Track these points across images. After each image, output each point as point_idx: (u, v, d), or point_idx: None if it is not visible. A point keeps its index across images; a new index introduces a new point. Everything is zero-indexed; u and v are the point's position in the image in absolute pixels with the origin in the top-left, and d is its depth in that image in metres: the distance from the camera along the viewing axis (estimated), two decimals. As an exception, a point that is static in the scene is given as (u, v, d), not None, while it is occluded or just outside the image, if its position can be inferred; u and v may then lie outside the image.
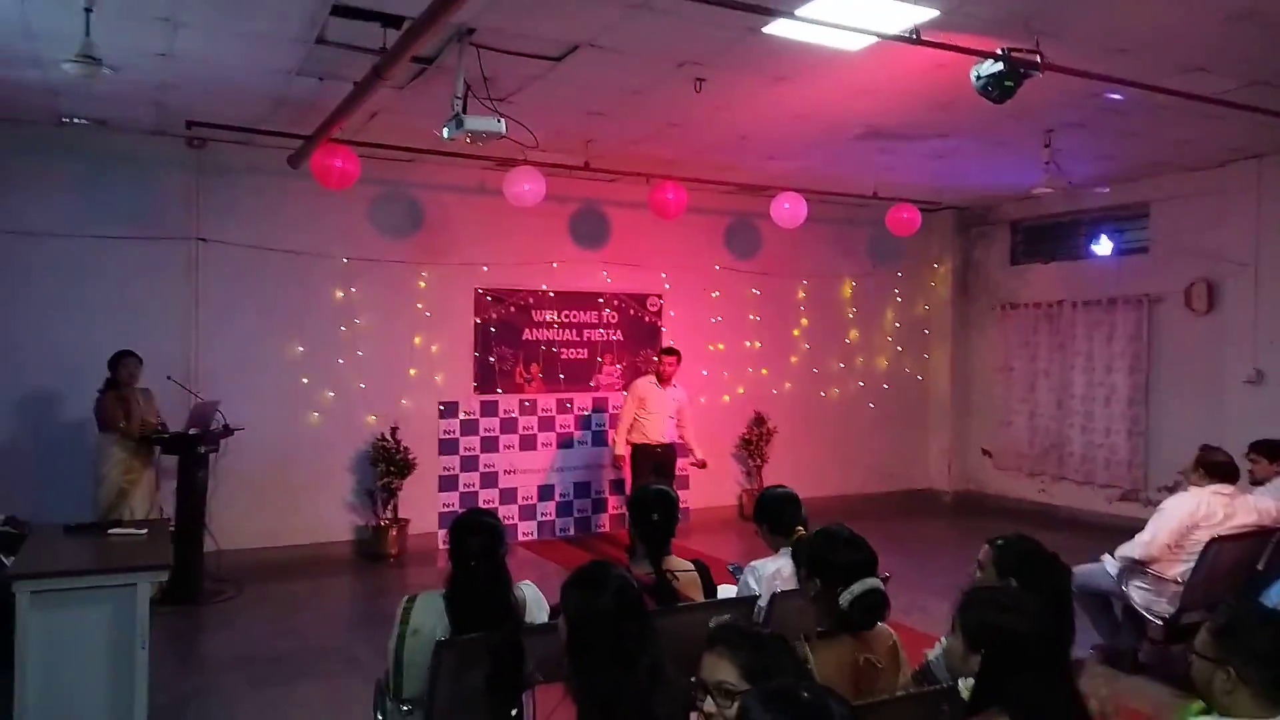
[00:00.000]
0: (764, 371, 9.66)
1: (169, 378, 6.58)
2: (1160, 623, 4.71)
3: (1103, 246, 8.89)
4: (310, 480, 7.46)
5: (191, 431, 6.27)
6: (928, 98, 5.84)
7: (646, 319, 8.98)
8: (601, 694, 2.05)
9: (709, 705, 1.86)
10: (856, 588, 2.54)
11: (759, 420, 9.40)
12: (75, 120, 6.55)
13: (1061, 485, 9.53)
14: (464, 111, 4.93)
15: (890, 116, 6.34)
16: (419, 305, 7.97)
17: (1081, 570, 5.05)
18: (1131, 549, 4.82)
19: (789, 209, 8.03)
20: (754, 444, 9.34)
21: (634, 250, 8.80)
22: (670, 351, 7.69)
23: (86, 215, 6.74)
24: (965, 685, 2.06)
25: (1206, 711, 2.10)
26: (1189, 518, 4.72)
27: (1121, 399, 8.93)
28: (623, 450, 7.59)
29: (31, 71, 5.38)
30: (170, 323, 6.99)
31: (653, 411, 7.50)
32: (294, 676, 4.90)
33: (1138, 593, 4.81)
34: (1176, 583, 4.65)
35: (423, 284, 7.98)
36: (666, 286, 9.07)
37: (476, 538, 2.96)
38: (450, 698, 2.77)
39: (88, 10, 4.22)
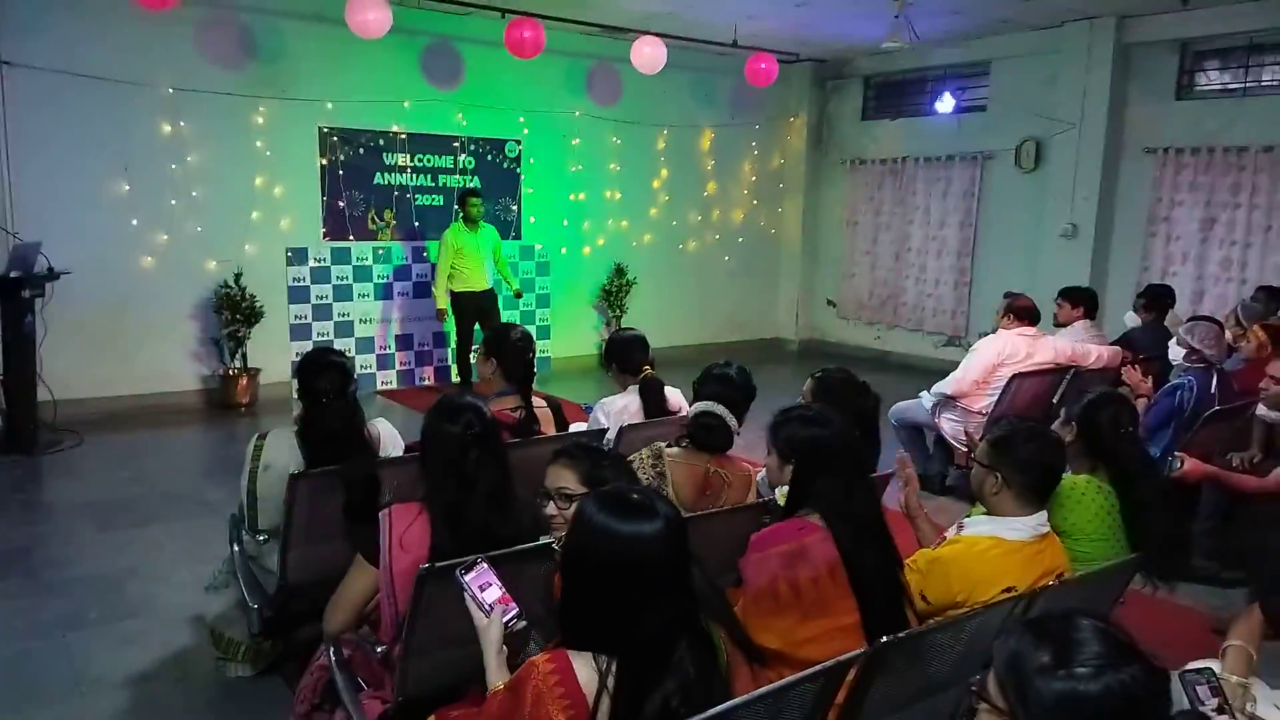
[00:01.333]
0: (624, 224, 9.72)
1: (-25, 216, 6.03)
2: (965, 450, 5.29)
3: (945, 104, 9.25)
4: (148, 328, 7.11)
5: (13, 275, 5.82)
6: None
7: (505, 165, 8.79)
8: (445, 511, 2.19)
9: (550, 508, 2.04)
10: (699, 405, 2.82)
11: (619, 271, 9.53)
12: None
13: (895, 333, 10.25)
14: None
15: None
16: (258, 144, 7.49)
17: (900, 406, 5.60)
18: (944, 385, 5.34)
19: (649, 53, 7.89)
20: (614, 295, 9.51)
21: (491, 91, 8.49)
22: (474, 192, 7.72)
23: None
24: (781, 494, 2.30)
25: (985, 514, 2.44)
26: (995, 357, 5.24)
27: (951, 251, 9.56)
28: (444, 304, 7.68)
29: None
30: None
31: (470, 256, 7.56)
32: (145, 520, 4.85)
33: (948, 424, 5.36)
34: (981, 415, 5.21)
35: (260, 120, 7.47)
36: (526, 131, 8.85)
37: (325, 375, 2.98)
38: (306, 527, 2.86)
39: None
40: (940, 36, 8.58)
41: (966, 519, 2.47)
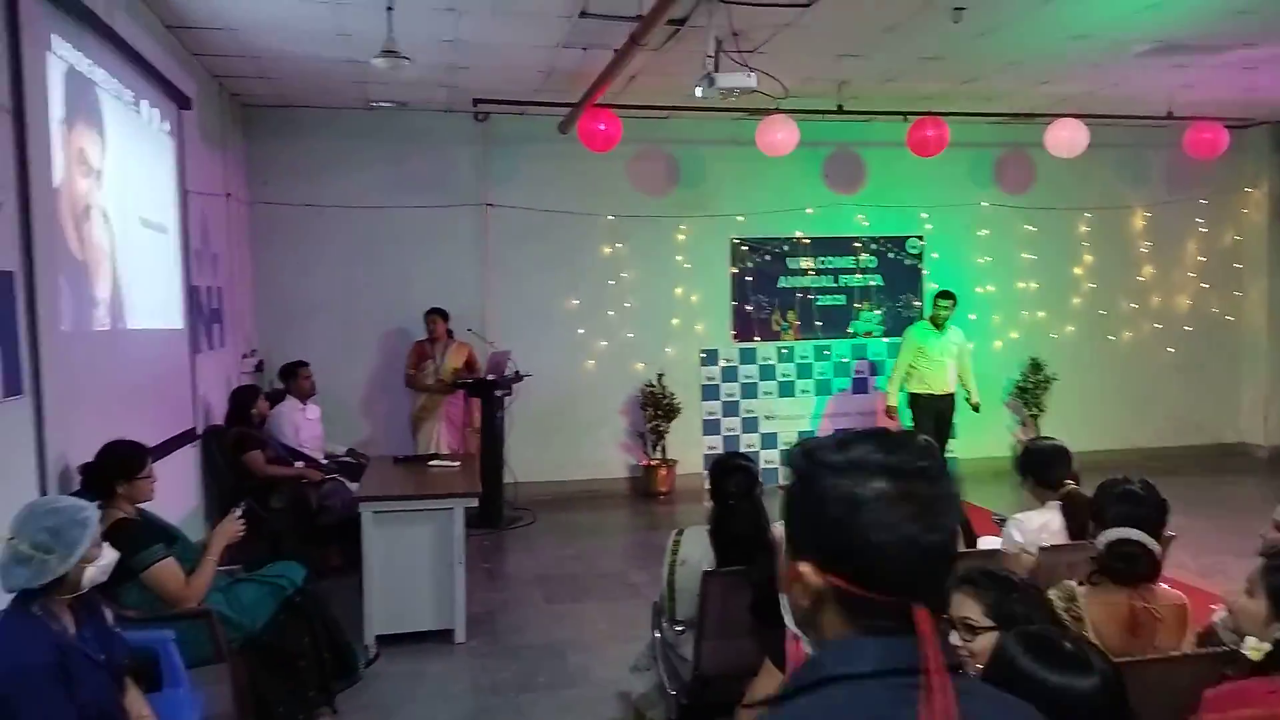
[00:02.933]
0: (1040, 314, 9.07)
1: (469, 330, 7.47)
2: None
3: None
4: (589, 422, 8.15)
5: (490, 378, 7.08)
6: (1224, 4, 5.17)
7: (907, 261, 8.74)
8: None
9: (954, 638, 1.96)
10: (1111, 533, 2.49)
11: (1035, 366, 8.87)
12: (380, 104, 7.49)
13: None
14: (716, 69, 5.08)
15: (1182, 28, 5.66)
16: (678, 258, 8.34)
17: None
18: None
19: (1067, 136, 7.41)
20: (1030, 392, 8.84)
21: (892, 190, 8.57)
22: (946, 295, 7.45)
23: (393, 187, 7.71)
24: (1252, 645, 1.97)
25: None
26: None
27: None
28: (894, 401, 7.48)
29: (345, 66, 6.22)
30: (466, 281, 7.87)
31: (933, 358, 7.35)
32: (582, 595, 5.50)
33: None
34: None
35: (682, 236, 8.33)
36: (928, 227, 8.75)
37: (734, 478, 3.21)
38: (718, 621, 3.05)
39: (389, 9, 4.84)
40: None
41: None
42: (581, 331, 8.18)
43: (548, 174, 7.93)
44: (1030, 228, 8.92)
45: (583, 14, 5.25)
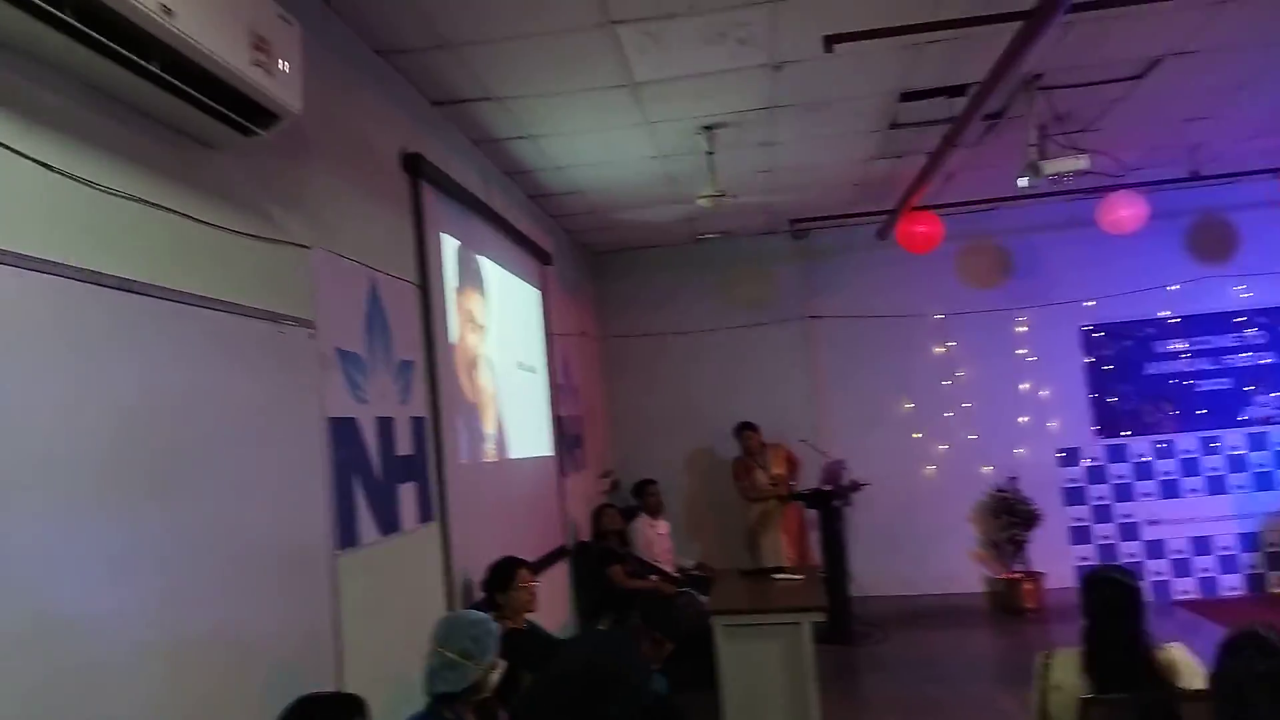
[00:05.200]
0: None
1: (802, 440, 7.54)
2: None
3: None
4: (936, 531, 7.75)
5: (826, 488, 7.06)
6: None
7: (1305, 333, 7.45)
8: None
9: None
10: None
11: None
12: (707, 236, 8.05)
13: None
14: (1040, 157, 4.87)
15: None
16: (1020, 351, 7.83)
17: None
18: None
19: None
20: None
21: (1273, 257, 7.43)
22: None
23: (722, 310, 8.17)
24: None
25: None
26: None
27: None
28: None
29: (674, 208, 6.80)
30: (795, 392, 8.02)
31: None
32: (947, 722, 5.14)
33: None
34: None
35: (1021, 329, 7.83)
36: (1330, 290, 7.43)
37: (1107, 594, 2.89)
38: (1102, 756, 2.72)
39: (709, 154, 5.28)
40: None
41: None
42: (919, 436, 7.90)
43: (870, 280, 7.95)
44: None
45: (892, 125, 5.34)
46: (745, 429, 7.43)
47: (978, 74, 4.36)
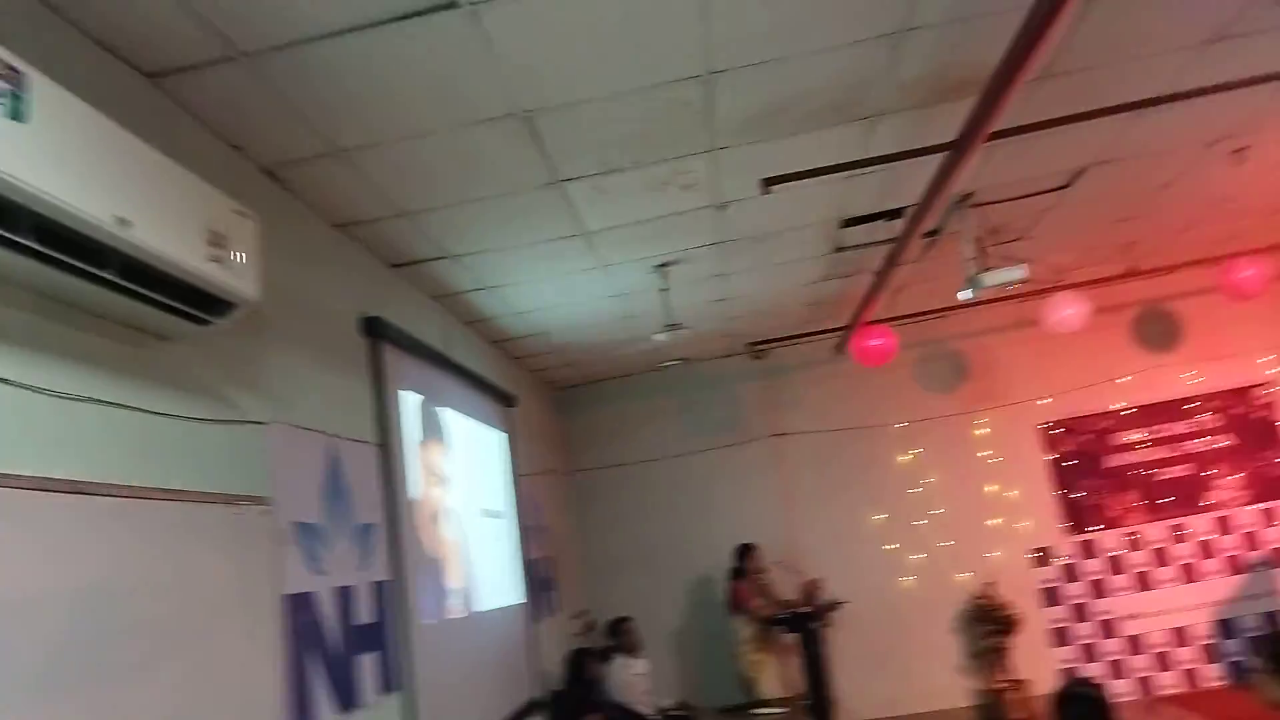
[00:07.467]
0: None
1: (776, 562, 7.42)
2: None
3: None
4: (916, 645, 7.59)
5: (803, 609, 6.93)
6: None
7: (1253, 415, 7.64)
8: None
9: None
10: None
11: None
12: (668, 364, 8.13)
13: None
14: (980, 269, 5.05)
15: None
16: (983, 453, 7.91)
17: None
18: None
19: None
20: None
21: (1219, 341, 7.68)
22: None
23: (688, 434, 8.19)
24: None
25: None
26: None
27: None
28: None
29: (633, 343, 6.89)
30: (766, 513, 7.95)
31: None
32: None
33: None
34: None
35: (982, 431, 7.93)
36: (1275, 371, 7.66)
37: (1074, 710, 2.89)
38: None
39: (663, 290, 5.41)
40: None
41: None
42: (893, 546, 7.85)
43: (831, 394, 8.04)
44: None
45: (837, 249, 5.54)
46: (750, 549, 7.33)
47: (912, 196, 4.56)
